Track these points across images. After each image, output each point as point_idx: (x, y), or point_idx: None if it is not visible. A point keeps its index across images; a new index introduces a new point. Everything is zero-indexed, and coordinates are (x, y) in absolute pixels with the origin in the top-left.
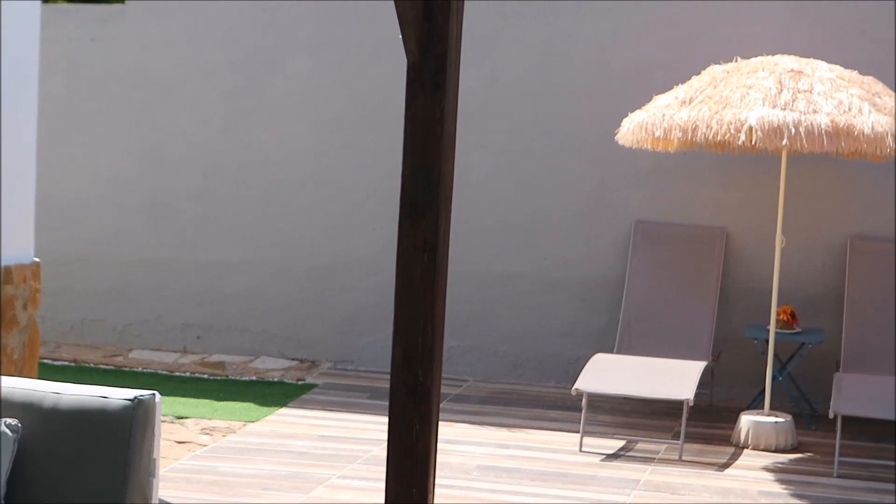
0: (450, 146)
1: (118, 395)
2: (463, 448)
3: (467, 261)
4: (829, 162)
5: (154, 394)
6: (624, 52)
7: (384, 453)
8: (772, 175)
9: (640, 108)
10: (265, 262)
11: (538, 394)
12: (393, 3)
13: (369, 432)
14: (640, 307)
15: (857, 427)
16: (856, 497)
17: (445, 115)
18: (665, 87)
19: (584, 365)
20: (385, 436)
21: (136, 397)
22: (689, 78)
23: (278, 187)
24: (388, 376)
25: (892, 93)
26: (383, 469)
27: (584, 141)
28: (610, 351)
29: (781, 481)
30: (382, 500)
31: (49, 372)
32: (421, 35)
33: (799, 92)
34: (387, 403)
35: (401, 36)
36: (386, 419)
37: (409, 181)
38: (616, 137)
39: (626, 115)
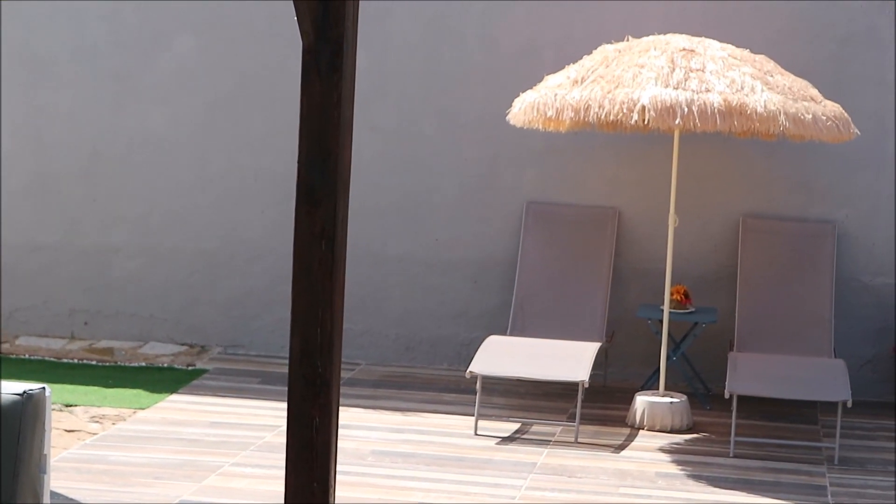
0: (347, 131)
1: (7, 390)
2: (357, 433)
3: (358, 243)
4: (721, 141)
5: (44, 387)
6: (513, 31)
7: (277, 440)
8: (664, 154)
9: (531, 87)
10: (153, 246)
11: (431, 377)
12: None
13: (261, 418)
14: (532, 288)
15: (752, 406)
16: (752, 477)
17: (342, 100)
18: (555, 67)
19: (478, 347)
20: (278, 421)
21: (25, 392)
22: (580, 57)
23: (166, 168)
24: (280, 360)
25: (784, 71)
26: (277, 456)
27: (474, 121)
28: (503, 333)
29: (678, 462)
30: (276, 488)
31: None
32: (316, 17)
33: (691, 71)
34: (279, 388)
35: (296, 17)
36: (278, 404)
37: (306, 167)
38: (507, 117)
39: (517, 95)
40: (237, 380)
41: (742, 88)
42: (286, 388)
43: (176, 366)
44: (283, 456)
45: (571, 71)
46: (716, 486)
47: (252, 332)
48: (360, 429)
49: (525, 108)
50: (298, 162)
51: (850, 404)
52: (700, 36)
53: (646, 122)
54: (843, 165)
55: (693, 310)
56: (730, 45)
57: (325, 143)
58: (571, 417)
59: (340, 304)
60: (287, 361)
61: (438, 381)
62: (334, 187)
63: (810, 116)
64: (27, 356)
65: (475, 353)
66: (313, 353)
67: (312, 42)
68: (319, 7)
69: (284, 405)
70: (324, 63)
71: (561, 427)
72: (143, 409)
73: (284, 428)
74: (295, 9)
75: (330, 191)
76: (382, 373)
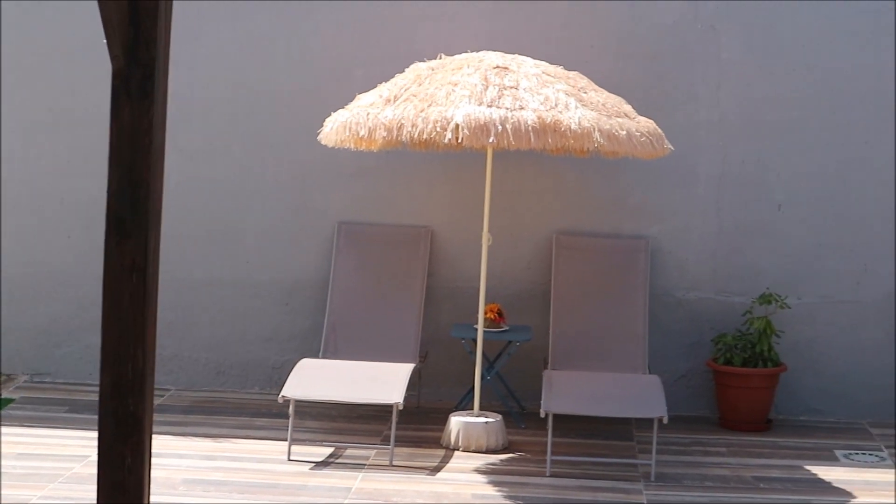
0: (159, 158)
1: None
2: (167, 461)
3: (166, 267)
4: (534, 158)
5: None
6: (323, 50)
7: (86, 471)
8: (477, 172)
9: (342, 107)
10: None
11: (243, 401)
12: (97, 4)
13: (70, 448)
14: (345, 310)
15: (568, 424)
16: (569, 496)
17: (154, 126)
18: (366, 86)
19: (290, 371)
20: (87, 451)
21: None
22: (393, 76)
23: None
24: (88, 388)
25: (598, 87)
26: (86, 488)
27: (285, 142)
28: (315, 355)
29: (494, 483)
30: None
31: None
32: (127, 40)
33: (505, 88)
34: (87, 416)
35: (105, 41)
36: (87, 433)
37: (116, 196)
38: (318, 137)
39: (329, 115)
40: (44, 409)
41: (556, 105)
42: (95, 417)
43: None
44: (93, 487)
45: (384, 90)
46: None
47: (58, 360)
48: (170, 457)
49: (337, 128)
50: (108, 192)
51: (665, 420)
52: (513, 54)
53: (459, 141)
54: (655, 181)
55: (507, 328)
56: (543, 63)
57: (137, 172)
58: (386, 440)
59: (153, 339)
60: (96, 388)
61: (250, 405)
62: (146, 218)
63: (624, 133)
64: None
65: (287, 377)
66: (124, 391)
67: (123, 66)
68: (130, 30)
69: (93, 434)
70: (134, 88)
71: (375, 450)
72: None
73: (93, 458)
74: (104, 32)
75: (141, 222)
76: (193, 398)
